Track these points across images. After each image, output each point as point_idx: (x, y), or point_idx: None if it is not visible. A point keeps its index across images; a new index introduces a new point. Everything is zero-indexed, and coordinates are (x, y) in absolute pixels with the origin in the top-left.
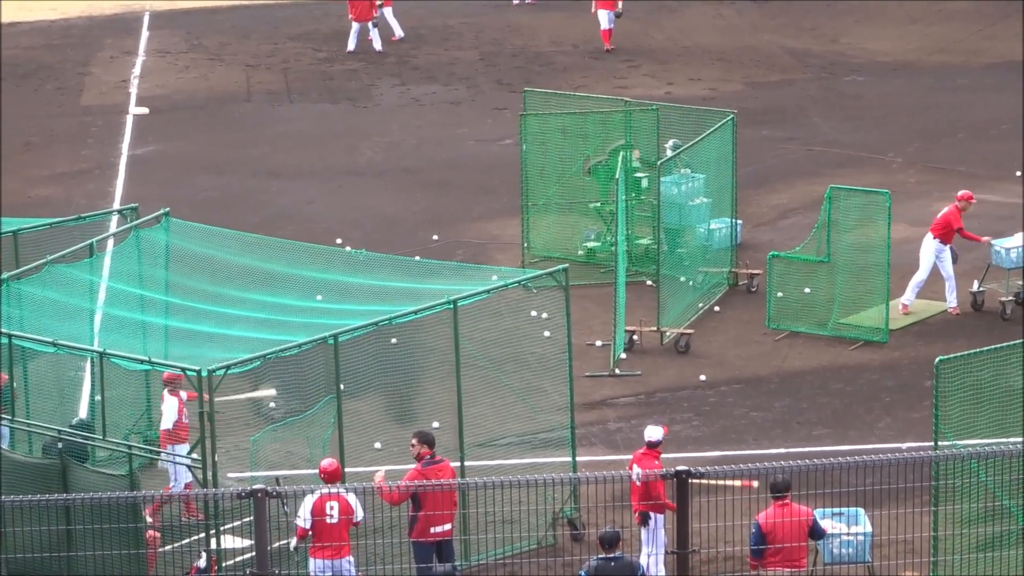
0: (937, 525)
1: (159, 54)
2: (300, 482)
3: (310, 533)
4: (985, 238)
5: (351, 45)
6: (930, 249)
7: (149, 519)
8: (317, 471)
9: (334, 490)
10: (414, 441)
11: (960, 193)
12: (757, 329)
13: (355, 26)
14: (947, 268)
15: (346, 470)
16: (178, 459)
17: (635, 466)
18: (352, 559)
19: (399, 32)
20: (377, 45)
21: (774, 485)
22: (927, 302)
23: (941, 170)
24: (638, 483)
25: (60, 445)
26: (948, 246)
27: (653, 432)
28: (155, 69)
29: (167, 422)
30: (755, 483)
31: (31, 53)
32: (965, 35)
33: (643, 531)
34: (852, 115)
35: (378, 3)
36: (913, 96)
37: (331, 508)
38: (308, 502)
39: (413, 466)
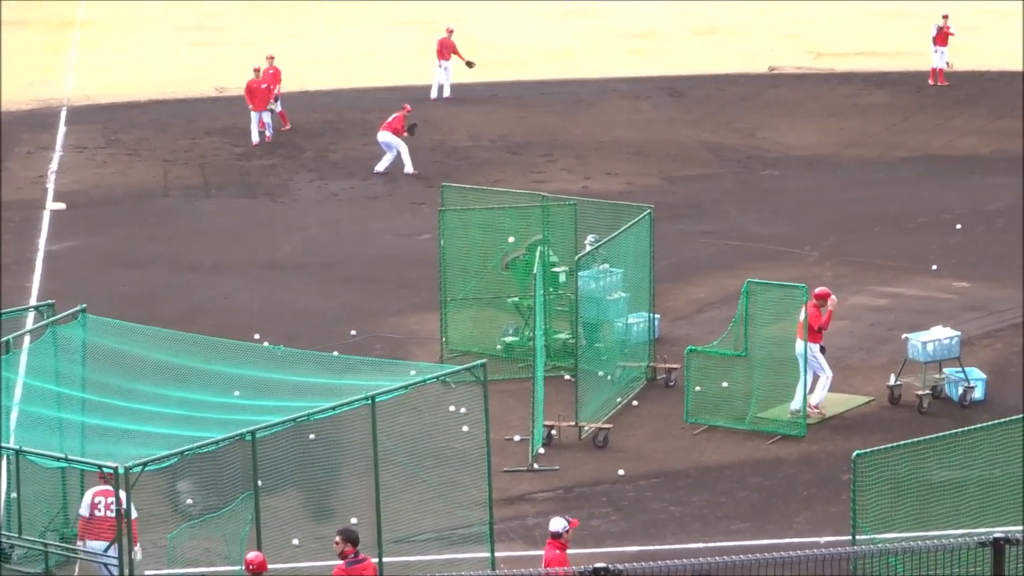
0: None
1: (76, 149)
2: None
3: None
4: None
5: (255, 137)
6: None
7: None
8: (235, 568)
9: None
10: (338, 539)
11: (817, 291)
12: (675, 423)
13: (254, 116)
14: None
15: None
16: (97, 557)
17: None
18: None
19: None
20: (268, 132)
21: None
22: (844, 396)
23: (857, 263)
24: None
25: None
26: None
27: (555, 523)
28: (72, 164)
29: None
30: None
31: None
32: (880, 128)
33: None
34: (769, 209)
35: (274, 92)
36: (829, 189)
37: None
38: None
39: (333, 563)
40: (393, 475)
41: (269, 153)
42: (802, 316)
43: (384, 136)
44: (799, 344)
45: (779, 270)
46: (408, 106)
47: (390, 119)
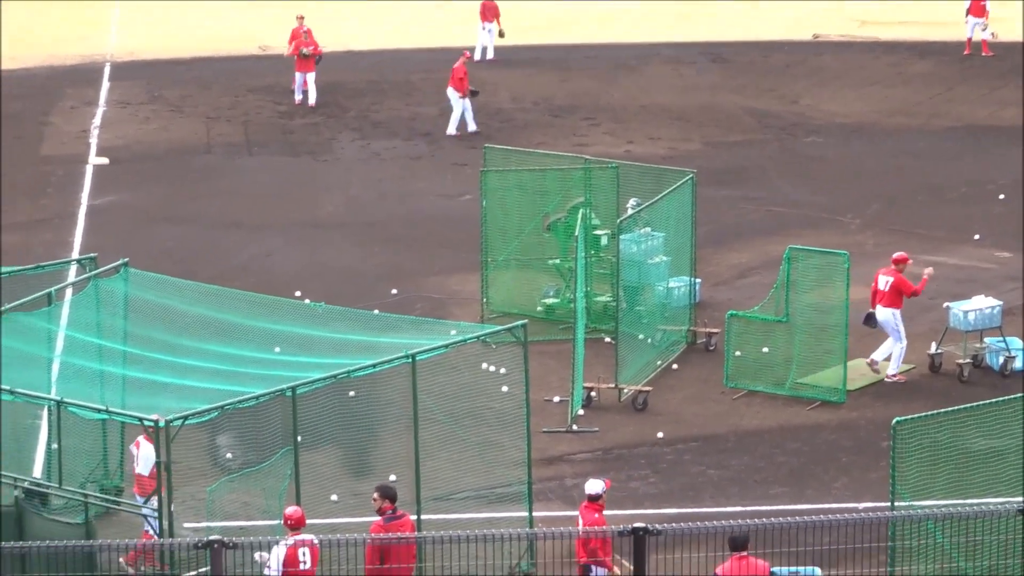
0: None
1: (120, 105)
2: (256, 533)
3: None
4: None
5: (298, 96)
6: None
7: (131, 569)
8: (273, 522)
9: (303, 538)
10: (376, 495)
11: (896, 256)
12: (715, 387)
13: (298, 76)
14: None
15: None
16: (137, 509)
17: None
18: None
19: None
20: (312, 98)
21: (733, 540)
22: (885, 363)
23: (899, 232)
24: (582, 536)
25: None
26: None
27: (592, 485)
28: (116, 120)
29: (145, 467)
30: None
31: None
32: (924, 98)
33: None
34: (811, 176)
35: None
36: (872, 158)
37: (303, 555)
38: (280, 553)
39: (371, 519)
40: (432, 434)
41: (312, 112)
42: (881, 284)
43: (449, 92)
44: (883, 311)
45: (821, 237)
46: (468, 53)
47: (454, 72)
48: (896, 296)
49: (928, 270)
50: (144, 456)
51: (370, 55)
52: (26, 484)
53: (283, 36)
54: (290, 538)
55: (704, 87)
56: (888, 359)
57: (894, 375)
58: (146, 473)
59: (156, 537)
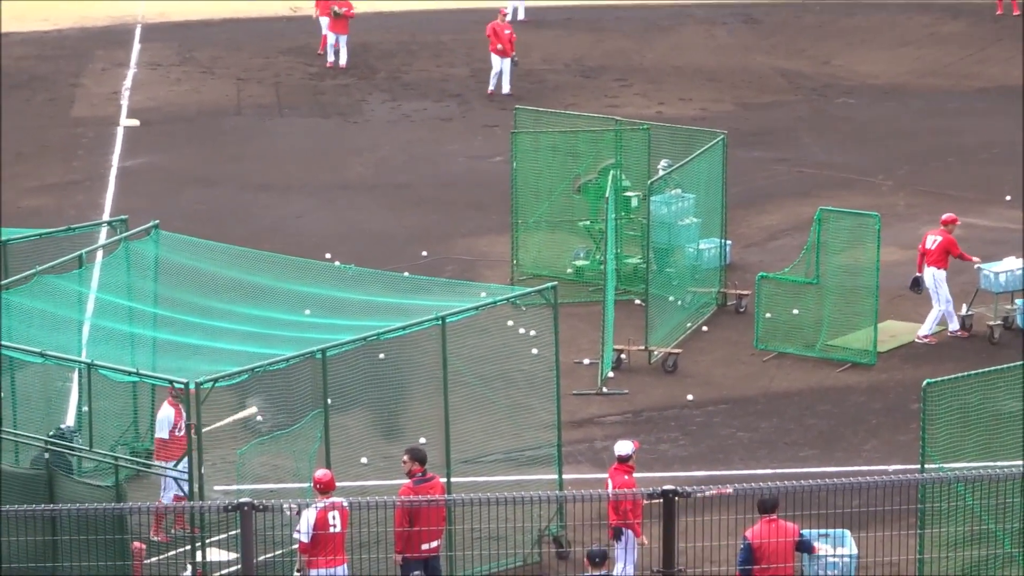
0: (923, 548)
1: (151, 66)
2: (287, 496)
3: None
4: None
5: (330, 57)
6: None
7: (155, 537)
8: (303, 484)
9: (333, 501)
10: (405, 458)
11: (945, 217)
12: (745, 350)
13: (330, 35)
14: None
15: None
16: (167, 471)
17: (609, 481)
18: (346, 567)
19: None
20: (343, 59)
21: (762, 502)
22: (915, 325)
23: (930, 193)
24: (612, 498)
25: (47, 456)
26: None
27: (622, 447)
28: (146, 81)
29: (162, 431)
30: (729, 489)
31: (23, 64)
32: (956, 59)
33: (616, 546)
34: (843, 137)
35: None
36: (904, 119)
37: (333, 518)
38: (311, 516)
39: (401, 482)
40: (462, 396)
41: (343, 73)
42: (928, 243)
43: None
44: (928, 271)
45: (852, 198)
46: (504, 9)
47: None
48: (942, 256)
49: (976, 259)
50: (159, 419)
51: (400, 16)
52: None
53: None
54: (320, 501)
55: (736, 48)
56: (942, 325)
57: (925, 336)
58: (165, 436)
59: (185, 499)
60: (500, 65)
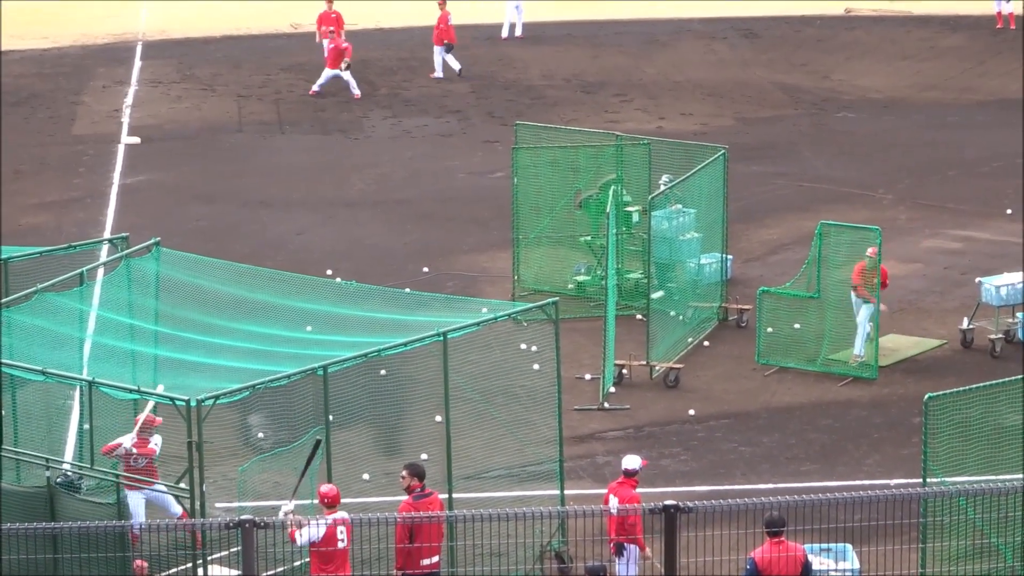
0: (925, 562)
1: (151, 84)
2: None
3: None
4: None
5: (316, 88)
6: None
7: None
8: (305, 501)
9: (341, 515)
10: (404, 474)
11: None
12: (746, 364)
13: (327, 72)
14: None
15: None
16: (168, 490)
17: (611, 496)
18: None
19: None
20: (355, 90)
21: (770, 522)
22: (916, 339)
23: (931, 207)
24: (615, 514)
25: (59, 479)
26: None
27: (630, 461)
28: (147, 99)
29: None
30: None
31: (23, 81)
32: (956, 72)
33: (618, 562)
34: (843, 151)
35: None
36: (904, 133)
37: (341, 533)
38: (318, 531)
39: (401, 498)
40: (463, 412)
41: (343, 90)
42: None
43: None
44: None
45: (853, 212)
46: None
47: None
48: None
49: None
50: (158, 443)
51: (400, 32)
52: (61, 472)
53: (314, 13)
54: (328, 516)
55: (736, 62)
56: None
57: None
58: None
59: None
60: (439, 52)
